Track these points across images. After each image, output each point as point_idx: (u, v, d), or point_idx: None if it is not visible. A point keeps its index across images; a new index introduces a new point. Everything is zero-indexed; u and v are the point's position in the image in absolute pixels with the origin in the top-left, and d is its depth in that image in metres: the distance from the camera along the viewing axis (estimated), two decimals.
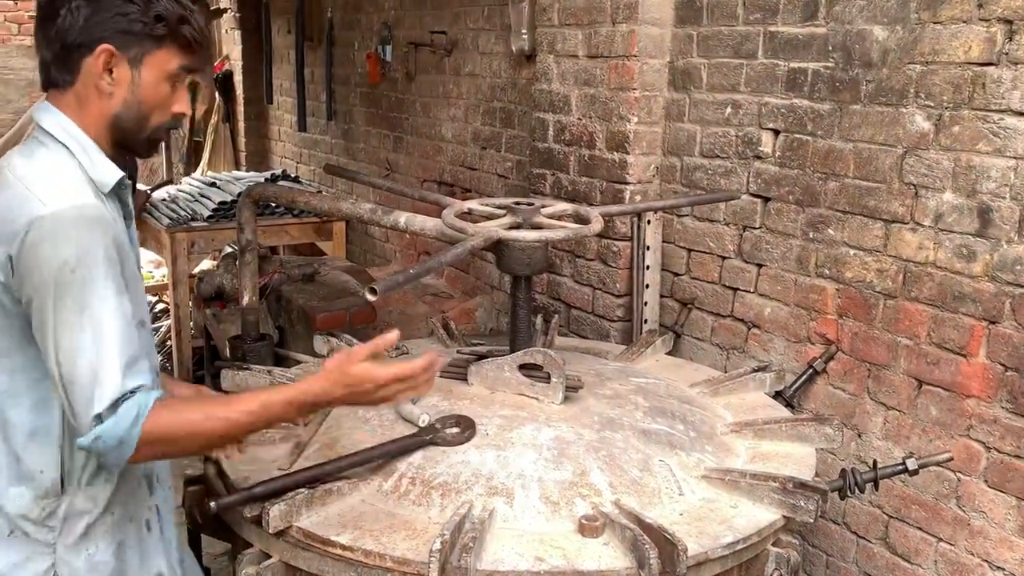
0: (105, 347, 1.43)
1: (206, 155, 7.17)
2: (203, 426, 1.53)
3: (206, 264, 5.95)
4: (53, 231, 1.43)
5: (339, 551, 1.71)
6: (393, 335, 1.65)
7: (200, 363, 4.85)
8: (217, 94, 7.23)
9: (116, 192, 1.60)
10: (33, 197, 1.45)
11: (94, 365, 1.42)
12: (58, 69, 1.55)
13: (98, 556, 1.60)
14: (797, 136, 2.77)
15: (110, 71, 1.53)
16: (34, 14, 1.63)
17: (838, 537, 2.83)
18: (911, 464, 2.22)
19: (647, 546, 1.66)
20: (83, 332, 1.42)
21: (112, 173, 1.57)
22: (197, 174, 6.18)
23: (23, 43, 8.99)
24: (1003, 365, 2.34)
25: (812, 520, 1.89)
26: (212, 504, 1.75)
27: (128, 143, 1.62)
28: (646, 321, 3.29)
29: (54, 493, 1.56)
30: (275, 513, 1.73)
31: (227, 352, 3.70)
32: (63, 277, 1.42)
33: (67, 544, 1.57)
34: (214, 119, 7.25)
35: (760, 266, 2.95)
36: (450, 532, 1.67)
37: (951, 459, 2.28)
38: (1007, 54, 2.24)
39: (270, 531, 1.74)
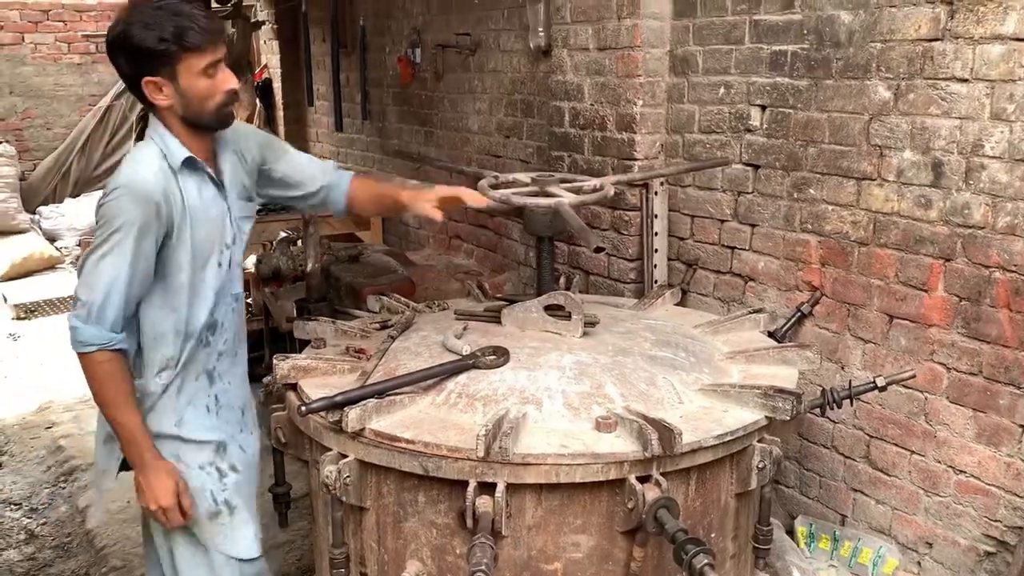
0: (103, 285, 2.08)
1: None
2: (106, 393, 2.14)
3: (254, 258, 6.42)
4: (114, 192, 2.08)
5: (404, 444, 2.13)
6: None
7: (258, 343, 5.32)
8: (258, 101, 7.73)
9: (189, 166, 2.18)
10: (120, 172, 2.13)
11: (99, 289, 2.08)
12: (138, 98, 2.17)
13: (164, 421, 2.27)
14: (781, 110, 3.18)
15: (159, 90, 2.11)
16: (84, 33, 2.40)
17: (828, 460, 3.23)
18: (880, 382, 2.61)
19: (650, 432, 2.08)
20: (98, 267, 2.09)
21: (180, 154, 2.16)
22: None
23: (73, 61, 9.57)
24: (957, 296, 2.74)
25: (788, 419, 2.28)
26: (303, 408, 2.20)
27: (202, 125, 2.18)
28: (656, 282, 3.70)
29: (135, 377, 2.23)
30: (353, 416, 2.16)
31: (286, 325, 4.18)
32: (106, 226, 2.09)
33: (146, 410, 2.25)
34: (255, 124, 7.75)
35: (753, 226, 3.36)
36: (492, 425, 2.09)
37: (914, 376, 2.67)
38: (949, 30, 2.64)
39: (348, 431, 2.17)
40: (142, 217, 2.07)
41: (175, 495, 2.22)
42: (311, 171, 2.54)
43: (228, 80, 2.15)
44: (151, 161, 2.13)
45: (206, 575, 2.35)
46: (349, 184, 2.57)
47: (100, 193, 2.20)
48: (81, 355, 2.13)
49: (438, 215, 2.46)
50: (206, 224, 2.22)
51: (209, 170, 2.24)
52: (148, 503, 2.21)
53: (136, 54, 2.06)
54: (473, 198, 2.48)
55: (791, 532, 3.30)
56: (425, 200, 2.47)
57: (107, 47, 2.14)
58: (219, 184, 2.27)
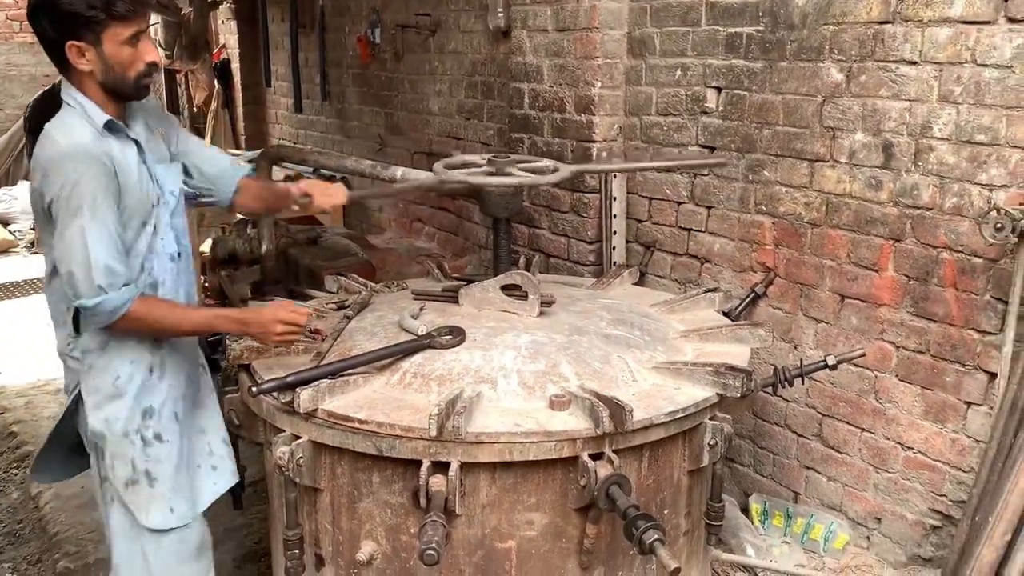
0: (87, 252, 2.07)
1: (207, 140, 7.55)
2: (166, 321, 2.22)
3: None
4: (59, 163, 2.07)
5: (357, 425, 2.13)
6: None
7: None
8: (216, 82, 7.60)
9: (111, 129, 2.18)
10: (55, 141, 2.09)
11: (86, 261, 2.07)
12: (55, 62, 2.15)
13: (100, 380, 2.25)
14: (736, 92, 3.21)
15: (82, 55, 2.10)
16: None
17: (781, 438, 3.28)
18: (831, 360, 2.65)
19: (601, 409, 2.09)
20: (75, 239, 2.07)
21: (101, 118, 2.16)
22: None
23: (26, 40, 9.34)
24: (907, 276, 2.79)
25: (739, 396, 2.31)
26: (253, 389, 2.18)
27: (122, 94, 2.21)
28: (615, 264, 3.72)
29: (73, 335, 2.24)
30: (305, 397, 2.15)
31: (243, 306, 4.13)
32: (62, 197, 2.07)
33: (85, 371, 2.26)
34: (214, 105, 7.63)
35: (709, 208, 3.39)
36: (445, 404, 2.08)
37: (864, 354, 2.72)
38: (900, 13, 2.68)
39: (301, 411, 2.15)
40: (97, 177, 2.08)
41: (283, 310, 2.31)
42: (223, 165, 2.59)
43: (150, 52, 2.20)
44: (81, 126, 2.13)
45: (130, 543, 2.34)
46: (239, 181, 2.61)
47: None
48: (119, 322, 2.15)
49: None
50: (133, 185, 2.23)
51: (129, 132, 2.25)
52: (270, 333, 2.28)
53: (62, 18, 2.07)
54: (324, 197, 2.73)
55: (746, 510, 3.35)
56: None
57: (31, 9, 2.11)
58: (139, 146, 2.28)
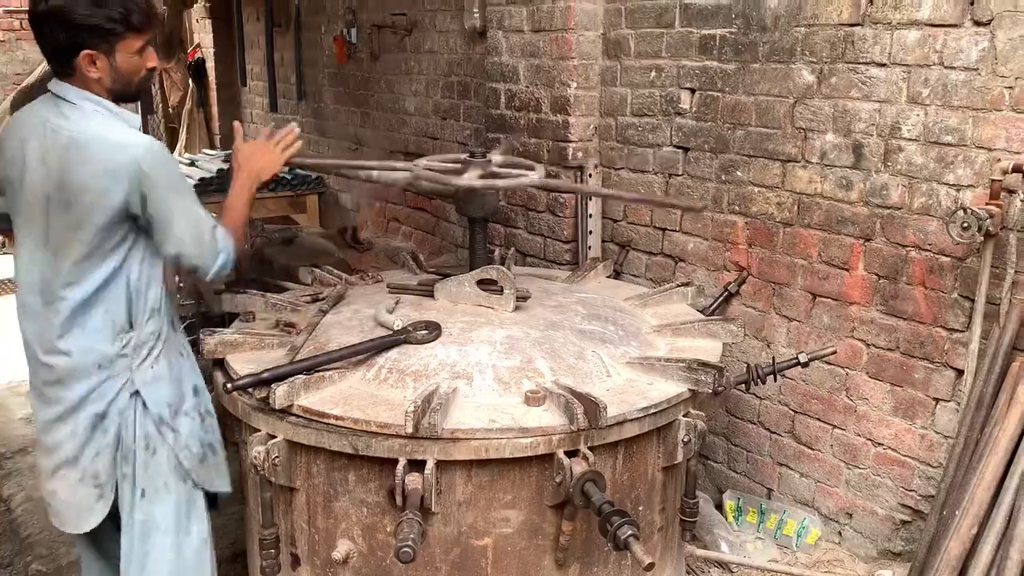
0: (203, 214, 2.20)
1: (182, 139, 7.50)
2: (240, 230, 2.35)
3: None
4: (159, 158, 2.12)
5: (333, 421, 2.13)
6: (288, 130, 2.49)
7: (190, 328, 5.20)
8: (190, 81, 7.55)
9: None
10: (124, 143, 2.09)
11: (204, 226, 2.19)
12: (59, 66, 2.14)
13: (159, 369, 2.27)
14: (710, 93, 3.24)
15: (94, 64, 2.11)
16: (7, 9, 2.31)
17: (755, 435, 3.31)
18: (802, 358, 2.68)
19: (576, 406, 2.10)
20: (191, 212, 2.17)
21: (137, 119, 2.25)
22: (175, 157, 6.53)
23: None
24: (876, 275, 2.83)
25: (711, 391, 2.33)
26: (228, 385, 2.17)
27: (123, 98, 2.25)
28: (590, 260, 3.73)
29: (126, 331, 2.21)
30: (280, 392, 2.14)
31: (217, 307, 4.11)
32: (173, 184, 2.14)
33: (138, 365, 2.23)
34: (188, 105, 7.58)
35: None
36: (421, 401, 2.09)
37: (835, 352, 2.76)
38: (869, 16, 2.72)
39: (276, 407, 2.15)
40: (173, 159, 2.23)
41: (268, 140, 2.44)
42: None
43: (152, 58, 2.24)
44: (119, 124, 2.16)
45: (172, 536, 2.34)
46: None
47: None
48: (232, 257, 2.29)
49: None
50: None
51: None
52: (264, 154, 2.42)
53: (78, 28, 2.06)
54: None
55: (720, 506, 3.38)
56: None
57: (40, 15, 2.08)
58: None
